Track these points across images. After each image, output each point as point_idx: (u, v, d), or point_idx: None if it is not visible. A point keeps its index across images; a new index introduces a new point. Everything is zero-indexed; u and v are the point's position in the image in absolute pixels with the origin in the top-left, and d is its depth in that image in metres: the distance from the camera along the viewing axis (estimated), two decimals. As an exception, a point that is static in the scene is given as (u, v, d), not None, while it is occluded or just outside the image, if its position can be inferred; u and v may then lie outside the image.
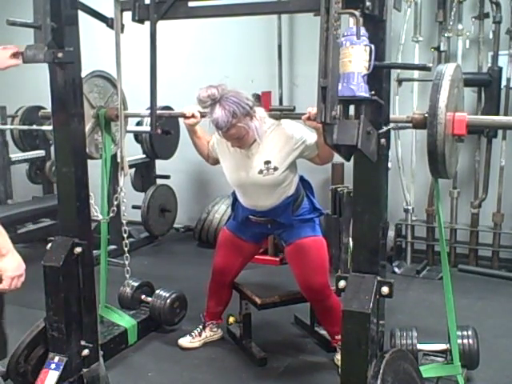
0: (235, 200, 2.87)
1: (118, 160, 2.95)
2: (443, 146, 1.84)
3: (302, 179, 2.78)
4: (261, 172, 2.60)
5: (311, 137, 2.59)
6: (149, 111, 2.56)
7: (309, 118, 2.38)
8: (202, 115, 2.68)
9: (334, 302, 2.77)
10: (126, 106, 3.10)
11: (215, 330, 3.13)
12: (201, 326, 3.10)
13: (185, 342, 3.07)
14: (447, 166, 1.93)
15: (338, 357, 2.77)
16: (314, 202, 2.78)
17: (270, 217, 2.73)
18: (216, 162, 2.85)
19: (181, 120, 4.38)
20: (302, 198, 2.75)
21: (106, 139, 2.92)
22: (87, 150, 2.85)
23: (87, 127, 2.88)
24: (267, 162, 2.60)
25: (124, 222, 3.13)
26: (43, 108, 4.56)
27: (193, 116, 2.69)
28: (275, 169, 2.59)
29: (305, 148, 2.60)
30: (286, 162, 2.60)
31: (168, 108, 4.07)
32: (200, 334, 3.08)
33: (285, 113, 2.68)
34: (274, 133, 2.61)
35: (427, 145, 1.86)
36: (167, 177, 5.05)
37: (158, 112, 2.72)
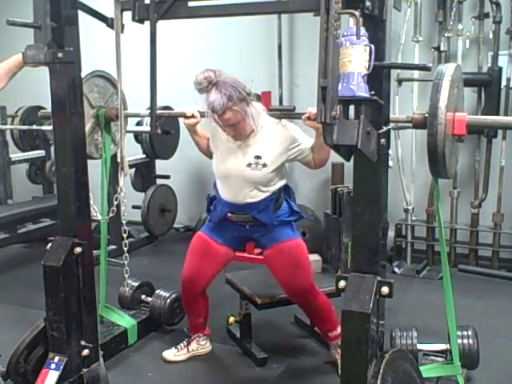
0: (211, 201, 2.80)
1: (118, 160, 2.95)
2: (443, 145, 1.84)
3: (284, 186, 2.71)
4: (249, 165, 2.57)
5: (307, 141, 2.59)
6: (149, 111, 2.57)
7: (309, 118, 2.38)
8: (202, 115, 2.68)
9: (322, 301, 2.75)
10: (125, 106, 3.10)
11: (203, 342, 3.00)
12: (187, 339, 3.01)
13: (169, 354, 2.97)
14: (447, 166, 1.93)
15: (334, 353, 2.80)
16: (292, 206, 2.71)
17: (249, 213, 2.64)
18: None
19: (181, 120, 4.39)
20: (282, 200, 2.68)
21: (106, 139, 2.92)
22: (87, 150, 2.85)
23: (87, 127, 2.88)
24: (258, 157, 2.57)
25: (124, 221, 3.12)
26: (43, 108, 4.56)
27: (193, 116, 2.69)
28: (264, 165, 2.56)
29: (298, 151, 2.58)
30: (276, 161, 2.57)
31: (168, 108, 4.06)
32: (186, 347, 2.98)
33: (285, 113, 2.67)
34: (271, 130, 2.59)
35: (427, 145, 1.86)
36: (167, 177, 5.05)
37: (158, 112, 2.72)
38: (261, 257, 4.22)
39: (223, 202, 2.70)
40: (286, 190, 2.74)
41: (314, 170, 2.69)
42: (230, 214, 2.69)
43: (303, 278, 2.69)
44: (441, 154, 1.85)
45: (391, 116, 1.95)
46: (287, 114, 2.68)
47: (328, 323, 2.77)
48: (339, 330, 2.70)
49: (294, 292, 2.72)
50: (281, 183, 2.66)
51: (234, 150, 2.63)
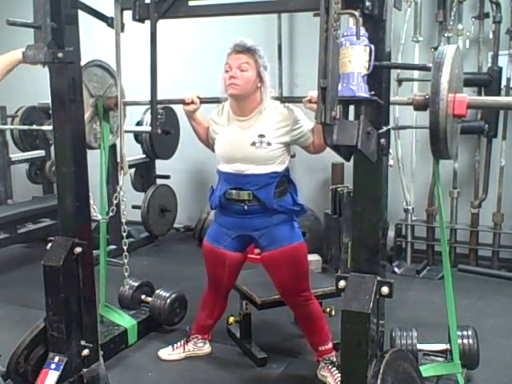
0: (213, 191, 2.75)
1: (118, 160, 2.95)
2: (445, 124, 1.80)
3: (289, 178, 2.68)
4: (253, 144, 2.54)
5: (308, 124, 2.58)
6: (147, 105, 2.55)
7: (310, 101, 2.39)
8: (202, 101, 2.67)
9: (316, 309, 2.71)
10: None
11: (201, 345, 3.00)
12: (185, 339, 3.00)
13: (164, 353, 2.98)
14: (449, 146, 1.91)
15: (323, 372, 2.72)
16: (295, 199, 2.67)
17: (249, 188, 2.56)
18: None
19: (181, 120, 4.39)
20: (286, 190, 2.64)
21: (105, 128, 2.90)
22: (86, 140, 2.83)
23: (86, 116, 2.87)
24: (261, 136, 2.54)
25: (123, 221, 3.12)
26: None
27: (192, 102, 2.67)
28: (268, 144, 2.54)
29: (300, 133, 2.57)
30: (280, 141, 2.55)
31: (167, 107, 4.06)
32: (182, 347, 2.98)
33: (285, 96, 2.67)
34: (274, 110, 2.58)
35: (429, 124, 1.83)
36: (167, 177, 5.05)
37: (158, 99, 2.70)
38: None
39: (224, 176, 2.65)
40: (291, 185, 2.70)
41: (313, 154, 2.66)
42: (229, 191, 2.61)
43: (300, 281, 2.67)
44: (443, 132, 1.81)
45: (392, 98, 1.94)
46: (288, 98, 2.67)
47: (320, 335, 2.71)
48: (330, 345, 2.71)
49: (288, 291, 2.70)
50: (285, 163, 2.62)
51: (237, 131, 2.61)
